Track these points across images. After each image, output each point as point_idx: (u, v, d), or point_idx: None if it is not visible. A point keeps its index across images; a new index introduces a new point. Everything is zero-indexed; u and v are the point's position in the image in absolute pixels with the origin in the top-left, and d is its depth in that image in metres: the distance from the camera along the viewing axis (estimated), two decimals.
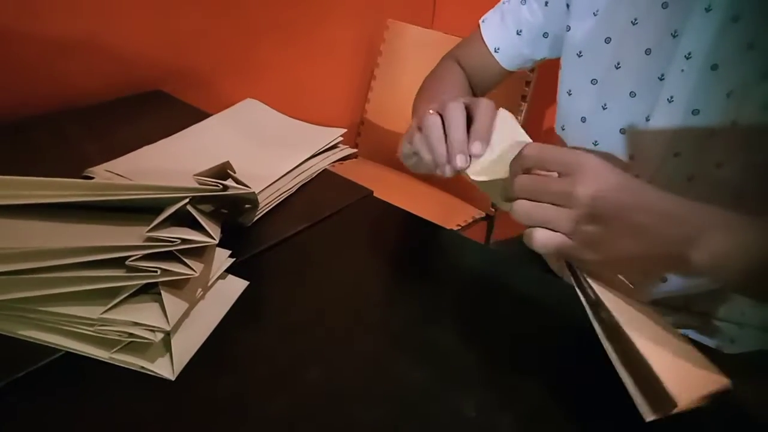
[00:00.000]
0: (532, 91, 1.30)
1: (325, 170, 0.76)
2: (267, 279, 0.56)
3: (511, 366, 0.49)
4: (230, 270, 0.54)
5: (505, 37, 0.78)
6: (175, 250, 0.45)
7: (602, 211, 0.41)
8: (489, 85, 0.84)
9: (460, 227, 1.30)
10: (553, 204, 0.42)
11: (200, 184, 0.51)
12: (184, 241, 0.45)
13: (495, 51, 0.79)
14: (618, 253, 0.42)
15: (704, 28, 0.57)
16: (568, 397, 0.46)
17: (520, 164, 0.45)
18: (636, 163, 0.66)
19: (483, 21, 0.80)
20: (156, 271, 0.44)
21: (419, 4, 1.64)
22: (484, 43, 0.79)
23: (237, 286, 0.54)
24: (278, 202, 0.67)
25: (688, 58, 0.59)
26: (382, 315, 0.53)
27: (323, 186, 0.73)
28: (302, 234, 0.63)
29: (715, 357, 0.51)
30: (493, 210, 1.39)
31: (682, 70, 0.59)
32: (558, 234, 0.42)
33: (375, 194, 0.73)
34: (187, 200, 0.48)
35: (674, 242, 0.41)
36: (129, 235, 0.47)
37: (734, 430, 0.46)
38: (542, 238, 0.43)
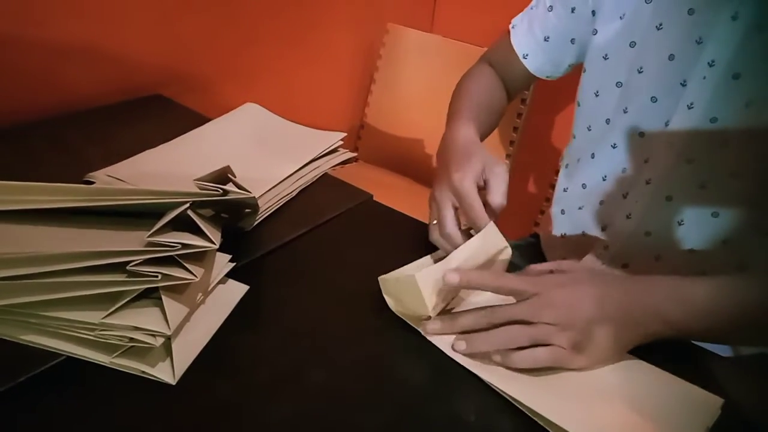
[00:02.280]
0: (531, 95, 1.30)
1: (325, 174, 0.76)
2: (267, 283, 0.56)
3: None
4: (230, 274, 0.54)
5: (532, 44, 0.79)
6: (176, 254, 0.46)
7: (570, 320, 0.48)
8: (520, 87, 0.86)
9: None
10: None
11: (200, 188, 0.51)
12: (184, 245, 0.45)
13: (524, 57, 0.80)
14: (599, 353, 0.49)
15: (729, 36, 0.57)
16: None
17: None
18: (649, 167, 0.66)
19: (513, 27, 0.81)
20: (157, 276, 0.44)
21: (419, 8, 1.64)
22: (513, 49, 0.80)
23: (237, 290, 0.54)
24: (278, 206, 0.67)
25: (711, 66, 0.58)
26: (383, 319, 0.53)
27: (323, 190, 0.73)
28: (302, 238, 0.63)
29: (714, 361, 0.51)
30: None
31: (704, 78, 0.59)
32: (551, 348, 0.48)
33: (375, 198, 0.73)
34: (188, 205, 0.48)
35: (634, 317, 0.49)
36: (130, 240, 0.47)
37: None
38: (543, 355, 0.48)
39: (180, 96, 0.97)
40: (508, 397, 0.46)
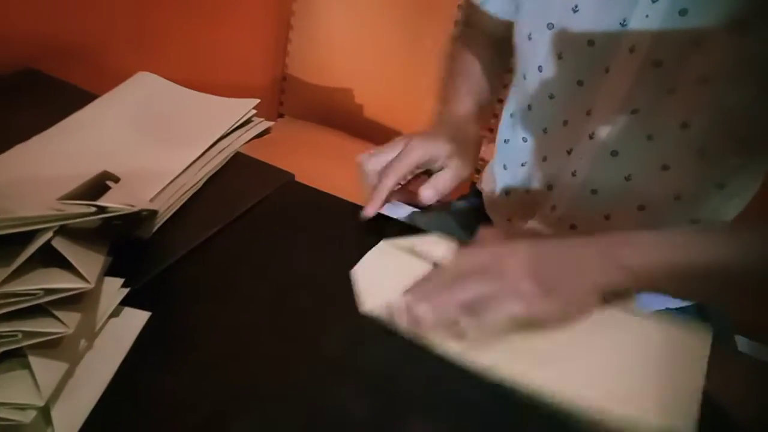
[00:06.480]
0: None
1: (237, 154, 0.66)
2: (174, 304, 0.47)
3: (465, 381, 0.43)
4: (126, 301, 0.45)
5: None
6: (41, 302, 0.36)
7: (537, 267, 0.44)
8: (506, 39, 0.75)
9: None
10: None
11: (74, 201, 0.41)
12: (48, 291, 0.36)
13: (482, 5, 0.72)
14: (568, 294, 0.44)
15: None
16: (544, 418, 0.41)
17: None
18: (592, 120, 0.60)
19: None
20: (16, 336, 0.35)
21: None
22: (472, 2, 0.73)
23: (136, 320, 0.45)
24: (183, 202, 0.57)
25: (654, 2, 0.52)
26: (318, 335, 0.46)
27: (236, 174, 0.63)
28: (214, 240, 0.54)
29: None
30: None
31: (647, 16, 0.53)
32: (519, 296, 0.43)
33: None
34: (51, 234, 0.38)
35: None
36: None
37: None
38: (515, 306, 0.43)
39: (61, 70, 0.83)
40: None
